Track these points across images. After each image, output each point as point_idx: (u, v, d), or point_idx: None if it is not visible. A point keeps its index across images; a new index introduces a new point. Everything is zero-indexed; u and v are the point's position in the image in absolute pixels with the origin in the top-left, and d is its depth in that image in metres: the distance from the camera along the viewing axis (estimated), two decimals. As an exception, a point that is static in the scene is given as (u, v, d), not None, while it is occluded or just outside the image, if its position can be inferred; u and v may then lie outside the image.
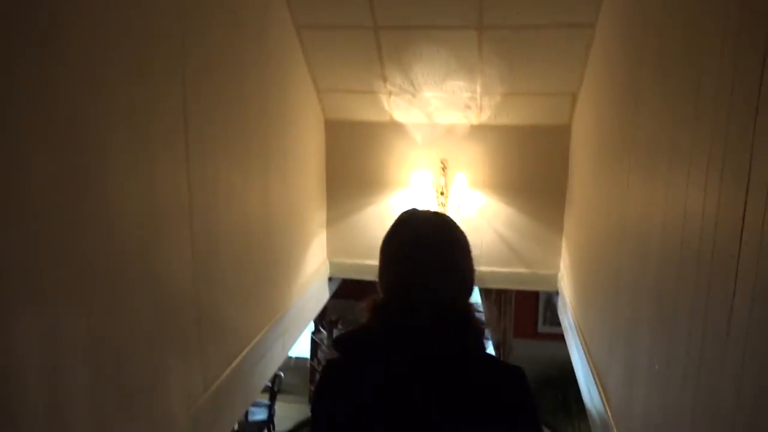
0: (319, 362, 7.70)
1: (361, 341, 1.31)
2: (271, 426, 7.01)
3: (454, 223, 1.34)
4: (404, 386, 1.23)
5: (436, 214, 1.34)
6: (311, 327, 7.80)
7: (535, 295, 6.72)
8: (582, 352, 3.12)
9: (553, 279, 4.12)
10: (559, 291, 4.04)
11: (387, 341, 1.26)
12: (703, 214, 1.31)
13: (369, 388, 1.25)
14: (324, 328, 7.69)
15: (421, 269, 1.27)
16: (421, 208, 1.39)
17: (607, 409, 2.46)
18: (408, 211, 1.37)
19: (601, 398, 2.57)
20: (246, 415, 6.82)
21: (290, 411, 7.69)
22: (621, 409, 2.24)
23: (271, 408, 6.94)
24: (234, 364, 2.64)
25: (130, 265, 1.79)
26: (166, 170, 2.00)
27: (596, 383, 2.70)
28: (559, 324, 6.78)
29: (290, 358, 8.32)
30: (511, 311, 6.75)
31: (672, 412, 1.49)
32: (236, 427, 5.90)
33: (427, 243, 1.27)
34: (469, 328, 1.27)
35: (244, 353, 2.74)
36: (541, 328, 6.72)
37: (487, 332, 1.31)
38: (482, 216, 4.07)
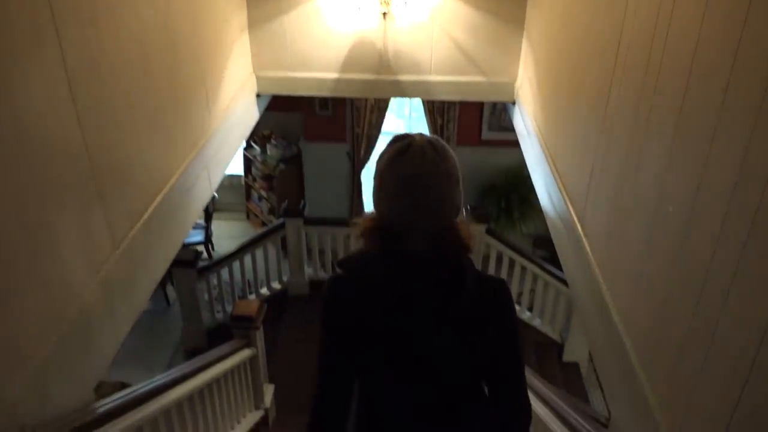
0: (253, 179, 7.35)
1: (365, 265, 1.39)
2: (210, 246, 6.81)
3: (449, 152, 1.36)
4: (407, 307, 1.34)
5: (431, 144, 1.33)
6: (242, 143, 7.29)
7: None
8: (544, 159, 2.84)
9: (510, 88, 3.71)
10: (517, 101, 3.66)
11: (388, 265, 1.35)
12: None
13: (375, 309, 1.36)
14: (256, 144, 7.21)
15: (419, 203, 1.32)
16: (414, 133, 1.37)
17: (570, 209, 2.38)
18: (403, 138, 1.36)
19: (564, 201, 2.47)
20: (182, 237, 6.56)
21: (228, 229, 7.48)
22: (582, 210, 2.23)
23: (207, 229, 6.68)
24: (149, 211, 2.21)
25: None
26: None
27: (559, 188, 2.57)
28: (504, 130, 6.59)
29: (224, 176, 7.95)
30: (455, 117, 6.42)
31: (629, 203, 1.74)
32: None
33: (425, 181, 1.31)
34: (462, 250, 1.38)
35: (160, 197, 2.30)
36: (486, 134, 6.48)
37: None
38: (435, 20, 3.49)
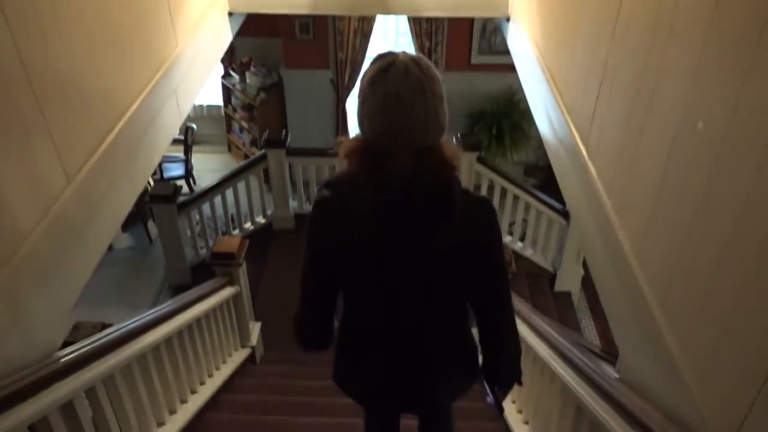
0: (234, 109, 7.02)
1: (352, 185, 1.37)
2: (191, 180, 6.57)
3: (433, 70, 1.33)
4: (394, 225, 1.36)
5: (414, 61, 1.30)
6: (220, 71, 6.92)
7: (470, 22, 6.00)
8: (543, 78, 2.61)
9: (503, 2, 3.41)
10: (511, 16, 3.38)
11: (375, 185, 1.33)
12: None
13: (362, 228, 1.37)
14: (234, 72, 6.85)
15: (402, 120, 1.30)
16: (397, 51, 1.34)
17: (573, 131, 2.17)
18: (385, 57, 1.33)
19: (566, 122, 2.26)
20: (161, 172, 6.30)
21: (209, 162, 7.22)
22: (587, 131, 2.01)
23: (187, 162, 6.42)
24: (108, 140, 1.97)
25: None
26: None
27: (561, 108, 2.35)
28: (495, 53, 6.28)
29: (202, 107, 7.60)
30: (443, 41, 6.08)
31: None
32: (150, 186, 5.41)
33: (408, 97, 1.28)
34: (447, 168, 1.36)
35: (120, 125, 2.06)
36: (476, 58, 6.16)
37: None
38: None
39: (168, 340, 2.55)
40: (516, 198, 5.10)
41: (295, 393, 3.25)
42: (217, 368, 3.21)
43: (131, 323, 2.31)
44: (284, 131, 5.05)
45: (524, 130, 6.34)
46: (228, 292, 3.29)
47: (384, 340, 1.58)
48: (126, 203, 2.22)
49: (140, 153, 2.28)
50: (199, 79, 2.98)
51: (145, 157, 2.36)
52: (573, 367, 2.10)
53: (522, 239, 5.41)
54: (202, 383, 2.97)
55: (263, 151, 4.96)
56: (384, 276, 1.46)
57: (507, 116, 6.26)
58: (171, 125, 2.66)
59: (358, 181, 1.36)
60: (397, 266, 1.43)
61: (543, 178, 6.74)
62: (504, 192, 5.12)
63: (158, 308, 2.62)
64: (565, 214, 5.01)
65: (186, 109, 2.83)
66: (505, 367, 1.61)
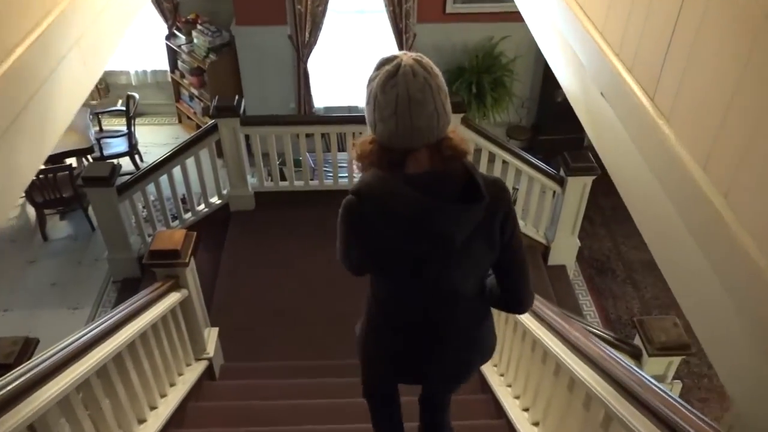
0: (181, 74, 6.24)
1: (381, 185, 1.44)
2: (137, 155, 5.83)
3: (434, 67, 1.40)
4: (429, 219, 1.43)
5: (418, 62, 1.37)
6: (163, 30, 6.11)
7: (444, -36, 5.32)
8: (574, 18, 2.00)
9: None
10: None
11: (404, 183, 1.42)
12: None
13: (398, 225, 1.45)
14: (180, 31, 6.05)
15: (415, 121, 1.37)
16: (399, 54, 1.40)
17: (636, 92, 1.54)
18: (391, 61, 1.39)
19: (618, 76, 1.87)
20: (101, 149, 5.54)
21: (157, 136, 6.47)
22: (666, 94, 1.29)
23: (130, 137, 5.66)
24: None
25: None
26: None
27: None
28: (473, 0, 5.63)
29: (146, 72, 6.77)
30: (414, -11, 5.39)
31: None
32: (83, 169, 4.68)
33: (419, 99, 1.36)
34: (461, 155, 1.45)
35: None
36: (451, 7, 5.49)
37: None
38: None
39: (86, 381, 1.93)
40: (505, 163, 4.53)
41: (258, 421, 2.68)
42: (164, 395, 2.60)
43: (52, 353, 1.70)
44: (238, 97, 4.34)
45: (506, 87, 5.74)
46: (173, 298, 2.66)
47: (415, 323, 1.67)
48: (18, 183, 1.57)
49: (32, 120, 1.62)
50: (112, 31, 2.29)
51: (40, 124, 1.70)
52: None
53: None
54: (142, 421, 2.36)
55: (213, 121, 4.26)
56: (421, 268, 1.53)
57: (488, 72, 5.64)
58: (77, 88, 1.98)
59: (386, 182, 1.43)
60: (434, 257, 1.50)
61: (527, 140, 6.19)
62: (492, 157, 4.55)
63: (76, 335, 2.00)
64: (559, 180, 4.47)
65: (98, 69, 2.16)
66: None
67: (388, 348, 1.73)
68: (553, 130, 6.12)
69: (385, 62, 1.40)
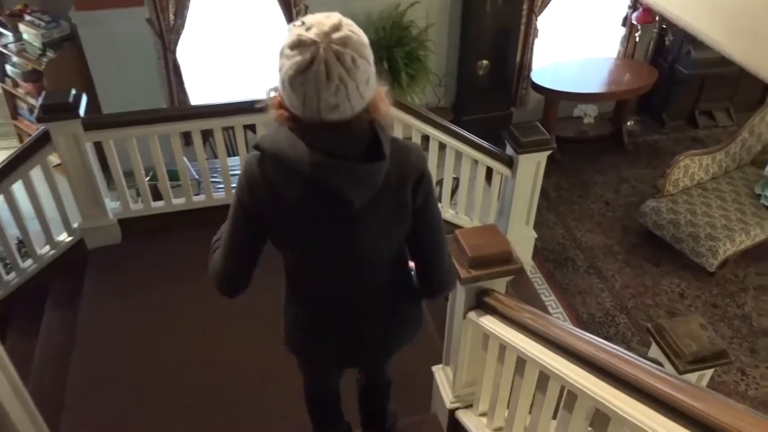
0: (14, 82, 4.88)
1: (285, 142, 1.34)
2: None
3: (359, 58, 1.24)
4: (318, 175, 1.32)
5: (339, 58, 1.21)
6: (-20, 27, 4.74)
7: None
8: None
9: None
10: None
11: (306, 141, 1.31)
12: None
13: (294, 185, 1.36)
14: (5, 27, 4.72)
15: (326, 117, 1.27)
16: (318, 39, 1.21)
17: None
18: (307, 48, 1.21)
19: None
20: None
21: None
22: None
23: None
24: None
25: None
26: None
27: None
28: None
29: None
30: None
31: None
32: None
33: (332, 105, 1.25)
34: (377, 122, 1.35)
35: None
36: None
37: None
38: None
39: None
40: (442, 146, 3.62)
41: None
42: None
43: None
44: (75, 91, 3.12)
45: (422, 61, 4.88)
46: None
47: (331, 299, 1.62)
48: None
49: None
50: None
51: None
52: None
53: (453, 202, 3.99)
54: None
55: (43, 126, 3.04)
56: (324, 234, 1.45)
57: (399, 45, 4.74)
58: None
59: (289, 136, 1.33)
60: (334, 221, 1.42)
61: (457, 119, 5.36)
62: (426, 140, 3.62)
63: None
64: (508, 161, 3.63)
65: None
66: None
67: (309, 329, 1.69)
68: (478, 109, 5.36)
69: (297, 45, 1.23)
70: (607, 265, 4.39)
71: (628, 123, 5.73)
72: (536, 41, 5.28)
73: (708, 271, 4.20)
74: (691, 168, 4.49)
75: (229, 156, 3.86)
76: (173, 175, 3.55)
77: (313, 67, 1.20)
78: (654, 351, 2.51)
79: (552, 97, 5.27)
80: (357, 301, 1.61)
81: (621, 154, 5.55)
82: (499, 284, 2.04)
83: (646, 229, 4.54)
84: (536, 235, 4.01)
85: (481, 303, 2.02)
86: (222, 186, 3.65)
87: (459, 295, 2.12)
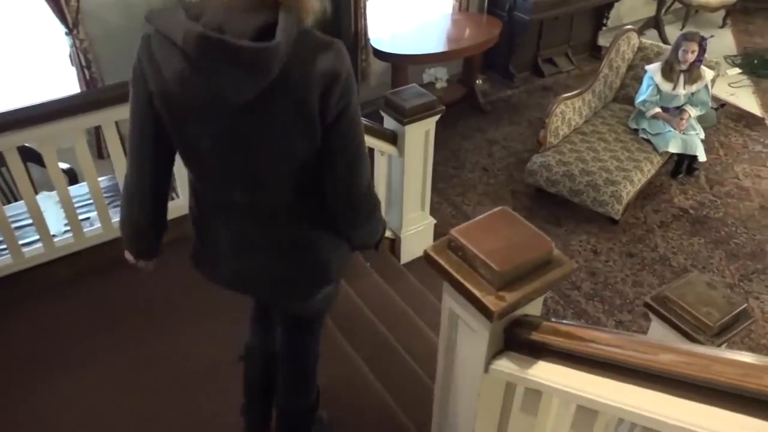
0: None
1: (164, 12, 1.19)
2: None
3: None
4: (197, 56, 1.14)
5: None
6: None
7: None
8: None
9: None
10: None
11: (191, 12, 1.15)
12: None
13: (176, 62, 1.17)
14: None
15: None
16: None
17: None
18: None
19: None
20: None
21: None
22: None
23: None
24: None
25: None
26: None
27: None
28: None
29: None
30: None
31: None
32: None
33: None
34: (286, 3, 1.15)
35: None
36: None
37: None
38: None
39: None
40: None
41: None
42: None
43: None
44: None
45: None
46: None
47: (226, 214, 1.41)
48: None
49: None
50: None
51: None
52: None
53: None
54: None
55: None
56: (208, 131, 1.24)
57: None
58: None
59: (174, 9, 1.16)
60: (221, 117, 1.21)
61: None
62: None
63: None
64: (392, 137, 2.90)
65: None
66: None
67: (203, 235, 1.51)
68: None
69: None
70: (509, 237, 3.86)
71: (477, 81, 5.29)
72: (368, 5, 4.60)
73: (613, 220, 3.84)
74: (566, 114, 4.11)
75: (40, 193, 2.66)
76: None
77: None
78: (657, 329, 1.98)
79: (398, 61, 4.62)
80: (247, 217, 1.38)
81: (480, 115, 5.09)
82: (535, 305, 1.27)
83: (536, 189, 4.08)
84: (434, 221, 3.34)
85: (514, 341, 1.22)
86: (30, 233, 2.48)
87: (471, 338, 1.30)
